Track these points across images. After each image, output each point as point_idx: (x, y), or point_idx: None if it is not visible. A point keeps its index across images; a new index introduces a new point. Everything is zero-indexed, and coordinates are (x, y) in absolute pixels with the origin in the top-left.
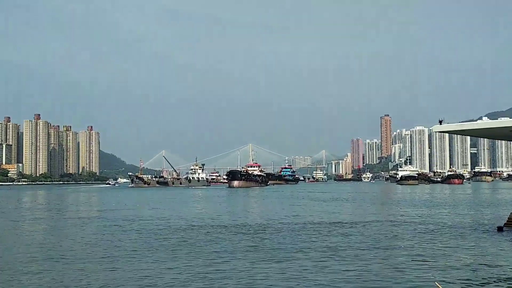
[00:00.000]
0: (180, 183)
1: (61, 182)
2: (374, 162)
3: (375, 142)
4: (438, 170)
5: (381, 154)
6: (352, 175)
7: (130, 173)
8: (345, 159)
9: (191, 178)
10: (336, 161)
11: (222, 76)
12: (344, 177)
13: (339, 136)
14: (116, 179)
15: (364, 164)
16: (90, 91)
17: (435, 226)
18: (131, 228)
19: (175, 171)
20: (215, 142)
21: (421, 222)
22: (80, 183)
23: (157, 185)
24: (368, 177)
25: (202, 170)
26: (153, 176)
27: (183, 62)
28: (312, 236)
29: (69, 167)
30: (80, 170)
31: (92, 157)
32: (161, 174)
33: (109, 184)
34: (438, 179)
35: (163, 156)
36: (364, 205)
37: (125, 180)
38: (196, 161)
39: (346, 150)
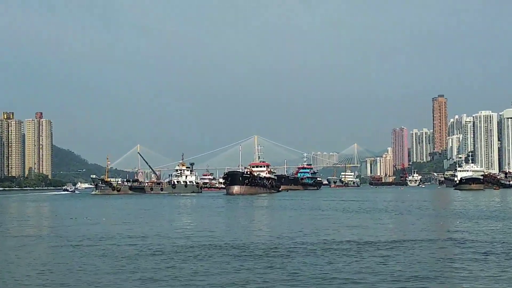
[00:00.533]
0: (161, 189)
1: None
2: (424, 160)
3: (425, 133)
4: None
5: (433, 149)
6: (393, 177)
7: (94, 176)
8: (384, 156)
9: (175, 182)
10: (372, 159)
11: (218, 54)
12: (383, 180)
13: (376, 125)
14: (74, 183)
15: (410, 163)
16: (40, 69)
17: (507, 247)
18: (94, 251)
19: (154, 173)
20: (208, 134)
21: (488, 241)
22: (26, 190)
23: (130, 191)
24: (416, 180)
25: (191, 171)
26: (125, 179)
27: (165, 35)
28: (338, 261)
29: (10, 168)
30: (26, 172)
31: (42, 155)
32: (136, 177)
33: (67, 190)
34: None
35: (138, 153)
36: (410, 218)
37: (86, 185)
38: (183, 159)
39: (385, 144)
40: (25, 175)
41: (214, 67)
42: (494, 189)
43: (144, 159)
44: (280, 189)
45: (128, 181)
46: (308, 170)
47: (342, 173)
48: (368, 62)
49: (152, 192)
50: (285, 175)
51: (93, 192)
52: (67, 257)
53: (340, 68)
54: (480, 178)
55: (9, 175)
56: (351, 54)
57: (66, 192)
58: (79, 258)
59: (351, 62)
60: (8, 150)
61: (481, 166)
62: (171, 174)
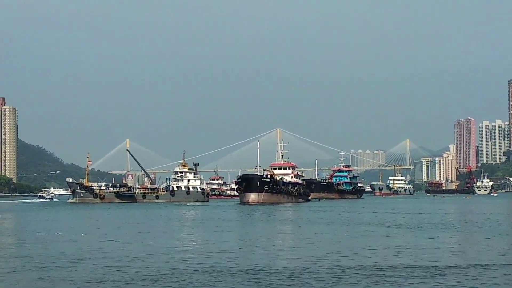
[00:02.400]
0: (157, 197)
1: None
2: (497, 161)
3: (499, 126)
4: None
5: (509, 147)
6: (457, 183)
7: (70, 179)
8: (444, 156)
9: (175, 188)
10: (428, 159)
11: (228, 27)
12: (444, 187)
13: (434, 116)
14: (45, 188)
15: (479, 165)
16: (2, 45)
17: None
18: (70, 273)
19: (148, 175)
20: (217, 127)
21: None
22: None
23: (117, 199)
24: (486, 187)
25: (195, 174)
26: (110, 184)
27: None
28: None
29: None
30: None
31: (4, 152)
32: (124, 181)
33: (43, 197)
34: None
35: (126, 150)
36: (480, 236)
37: (61, 191)
38: (184, 158)
39: (446, 140)
40: None
41: (224, 43)
42: None
43: (134, 158)
44: (309, 198)
45: (114, 186)
46: (346, 174)
47: (390, 178)
48: (426, 34)
49: (144, 200)
50: (316, 179)
51: (70, 200)
52: (31, 282)
53: (388, 40)
54: None
55: None
56: (404, 23)
57: (41, 200)
58: (48, 284)
59: (403, 33)
60: None
61: None
62: (169, 178)
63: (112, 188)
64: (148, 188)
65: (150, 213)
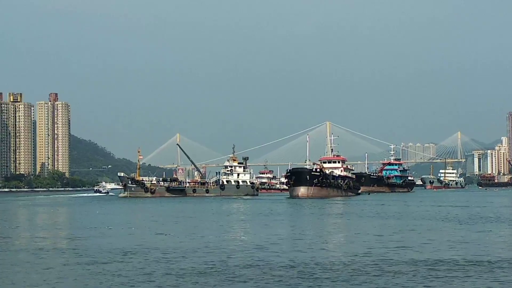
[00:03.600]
0: (207, 191)
1: (5, 190)
2: None
3: None
4: None
5: None
6: (510, 176)
7: (122, 174)
8: (497, 149)
9: (225, 182)
10: (480, 152)
11: (276, 19)
12: (496, 180)
13: (486, 107)
14: (98, 183)
15: None
16: (55, 40)
17: None
18: (122, 266)
19: (198, 170)
20: (266, 121)
21: None
22: (38, 191)
23: (167, 193)
24: None
25: (245, 168)
26: (161, 178)
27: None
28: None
29: (18, 163)
30: (38, 169)
31: (57, 147)
32: (175, 176)
33: (100, 191)
34: None
35: (177, 144)
36: None
37: (113, 185)
38: (234, 152)
39: (498, 132)
40: (37, 173)
41: (275, 41)
42: None
43: (185, 153)
44: (359, 191)
45: (165, 180)
46: (396, 167)
47: (441, 171)
48: (478, 26)
49: (195, 194)
50: (366, 173)
51: (121, 194)
52: (88, 276)
53: (438, 33)
54: None
55: (17, 172)
56: (454, 15)
57: (98, 194)
58: (102, 276)
59: (454, 25)
60: (16, 142)
61: None
62: (219, 172)
63: (162, 182)
64: (198, 182)
65: (200, 207)
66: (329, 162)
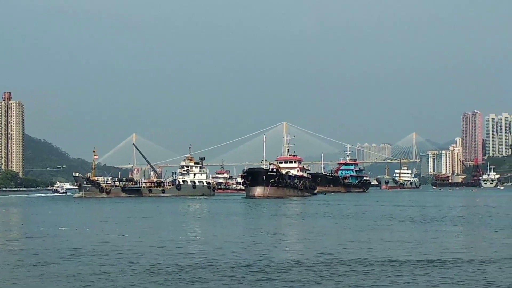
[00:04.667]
0: (163, 191)
1: None
2: (503, 154)
3: (505, 119)
4: None
5: None
6: (463, 176)
7: (77, 174)
8: (451, 149)
9: (181, 182)
10: (435, 153)
11: (233, 18)
12: (450, 180)
13: (441, 108)
14: (53, 183)
15: (486, 158)
16: (8, 38)
17: None
18: (74, 268)
19: (154, 170)
20: (223, 121)
21: None
22: None
23: (123, 193)
24: (493, 180)
25: (201, 168)
26: (117, 178)
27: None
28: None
29: None
30: None
31: (11, 146)
32: (130, 176)
33: (57, 191)
34: None
35: (133, 144)
36: (486, 231)
37: (67, 185)
38: (191, 152)
39: (452, 133)
40: None
41: (231, 39)
42: None
43: (140, 153)
44: (315, 191)
45: (120, 180)
46: (352, 167)
47: (396, 171)
48: (433, 30)
49: (150, 194)
50: (322, 173)
51: (76, 194)
52: (32, 278)
53: (394, 32)
54: None
55: None
56: (409, 13)
57: (56, 194)
58: (46, 279)
59: (408, 23)
60: None
61: None
62: (175, 172)
63: (118, 182)
64: (154, 182)
65: (156, 207)
66: (286, 162)
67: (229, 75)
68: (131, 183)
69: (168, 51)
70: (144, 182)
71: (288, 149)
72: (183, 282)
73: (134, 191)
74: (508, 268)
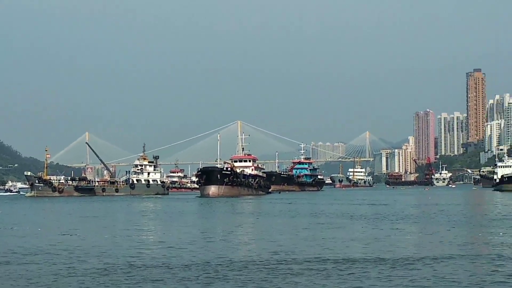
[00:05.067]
0: (117, 190)
1: None
2: (455, 153)
3: (457, 118)
4: None
5: (467, 139)
6: (416, 175)
7: (29, 173)
8: (404, 148)
9: (135, 181)
10: (388, 151)
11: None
12: (403, 179)
13: (394, 108)
14: (3, 182)
15: (438, 156)
16: None
17: None
18: (24, 269)
19: (108, 169)
20: (177, 120)
21: None
22: None
23: (76, 193)
24: (444, 179)
25: (155, 167)
26: (69, 177)
27: None
28: (342, 285)
29: None
30: None
31: None
32: (83, 175)
33: (11, 191)
34: None
35: (86, 143)
36: (438, 228)
37: (19, 184)
38: (144, 151)
39: (405, 132)
40: None
41: (184, 36)
42: None
43: (94, 152)
44: (270, 190)
45: (73, 179)
46: (306, 166)
47: (350, 170)
48: (385, 28)
49: (104, 193)
50: (276, 172)
51: (28, 194)
52: None
53: (349, 34)
54: None
55: None
56: (362, 15)
57: (8, 194)
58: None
59: (363, 26)
60: None
61: None
62: (129, 171)
63: (71, 182)
64: (108, 181)
65: (109, 206)
66: (240, 161)
67: (183, 74)
68: (84, 182)
69: (121, 48)
70: (98, 181)
71: (243, 148)
72: (135, 281)
73: (87, 190)
74: (458, 266)
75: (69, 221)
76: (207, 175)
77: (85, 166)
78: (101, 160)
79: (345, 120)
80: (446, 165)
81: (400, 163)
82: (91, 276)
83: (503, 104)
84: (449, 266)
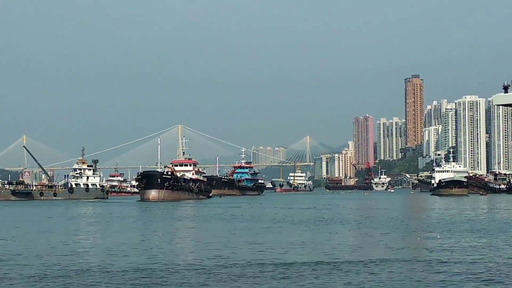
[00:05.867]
0: (55, 194)
1: None
2: (394, 157)
3: (396, 123)
4: (502, 171)
5: (406, 144)
6: (356, 179)
7: None
8: (343, 153)
9: (74, 185)
10: (328, 156)
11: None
12: (343, 183)
13: (333, 113)
14: None
15: (377, 161)
16: None
17: (495, 268)
18: None
19: (46, 172)
20: (117, 123)
21: (473, 261)
22: None
23: (13, 197)
24: (383, 183)
25: (94, 171)
26: (6, 181)
27: None
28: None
29: None
30: None
31: None
32: (21, 178)
33: None
34: (502, 187)
35: (23, 146)
36: (376, 232)
37: None
38: (83, 155)
39: (345, 137)
40: None
41: (127, 37)
42: (481, 194)
43: (31, 155)
44: (210, 194)
45: (10, 183)
46: (247, 170)
47: (290, 174)
48: (324, 32)
49: (42, 198)
50: (217, 176)
51: None
52: None
53: (289, 37)
54: (464, 181)
55: None
56: (304, 19)
57: None
58: None
59: (302, 28)
60: None
61: (465, 166)
62: (68, 175)
63: (8, 185)
64: (46, 185)
65: (47, 210)
66: (181, 165)
67: (124, 76)
68: (21, 186)
69: (59, 49)
70: (35, 185)
71: (184, 152)
72: (72, 286)
73: (25, 194)
74: (395, 268)
75: (5, 225)
76: (147, 179)
77: (22, 170)
78: (38, 163)
79: (285, 125)
80: (385, 170)
81: (340, 168)
82: (27, 282)
83: (440, 110)
84: (384, 268)
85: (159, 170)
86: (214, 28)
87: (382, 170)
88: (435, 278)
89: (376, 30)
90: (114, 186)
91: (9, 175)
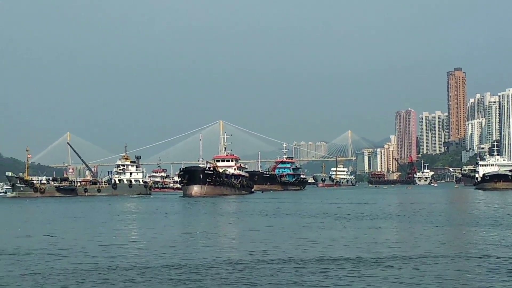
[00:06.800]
0: (99, 190)
1: None
2: (437, 151)
3: (438, 117)
4: None
5: (449, 138)
6: (398, 173)
7: (10, 173)
8: (386, 147)
9: (117, 182)
10: (370, 151)
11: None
12: (386, 178)
13: (375, 108)
14: None
15: (420, 155)
16: None
17: None
18: (6, 268)
19: (89, 169)
20: (159, 120)
21: None
22: None
23: (58, 193)
24: (426, 178)
25: (137, 167)
26: (51, 178)
27: None
28: (324, 285)
29: None
30: None
31: None
32: (65, 175)
33: None
34: None
35: (67, 143)
36: (420, 227)
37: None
38: (126, 151)
39: (387, 131)
40: None
41: (168, 37)
42: None
43: (75, 152)
44: (253, 190)
45: (55, 180)
46: (289, 165)
47: (332, 169)
48: (367, 27)
49: (86, 194)
50: (259, 171)
51: (9, 194)
52: None
53: (330, 33)
54: (508, 175)
55: None
56: (344, 16)
57: None
58: None
59: (345, 26)
60: None
61: (510, 160)
62: (111, 171)
63: (52, 182)
64: (90, 182)
65: (91, 206)
66: (222, 161)
67: (165, 74)
68: (66, 182)
69: (104, 49)
70: (79, 182)
71: (225, 148)
72: (116, 282)
73: (69, 191)
74: (441, 265)
75: (51, 221)
76: (190, 175)
77: (66, 166)
78: (82, 160)
79: (327, 120)
80: (428, 164)
81: (382, 162)
82: (71, 277)
83: (483, 103)
84: (427, 263)
85: (201, 165)
86: (256, 26)
87: (425, 164)
88: (480, 272)
89: (418, 22)
90: (157, 182)
91: (54, 172)
